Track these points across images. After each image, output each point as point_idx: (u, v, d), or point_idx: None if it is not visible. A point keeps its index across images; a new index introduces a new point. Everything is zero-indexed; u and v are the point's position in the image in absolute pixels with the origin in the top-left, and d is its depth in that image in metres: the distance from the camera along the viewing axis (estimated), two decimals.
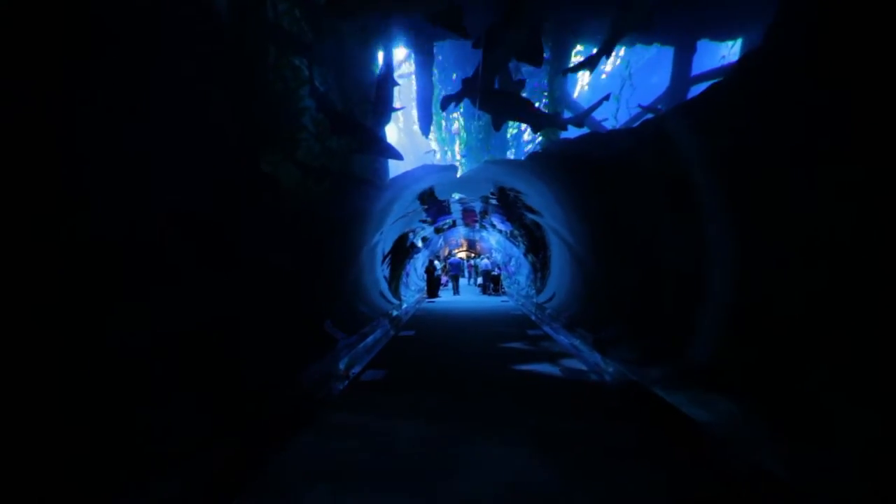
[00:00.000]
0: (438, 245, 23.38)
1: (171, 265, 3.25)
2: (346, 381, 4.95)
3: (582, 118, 8.35)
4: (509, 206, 11.42)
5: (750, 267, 3.74)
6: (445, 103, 7.25)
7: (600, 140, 5.62)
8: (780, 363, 3.35)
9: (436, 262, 19.03)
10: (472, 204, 12.55)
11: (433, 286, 16.04)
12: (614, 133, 5.44)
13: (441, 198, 10.94)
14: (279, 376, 4.41)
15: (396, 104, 8.59)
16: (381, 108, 7.42)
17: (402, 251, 13.36)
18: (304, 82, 6.13)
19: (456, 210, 13.14)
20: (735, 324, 3.99)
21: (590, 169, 6.03)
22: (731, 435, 3.13)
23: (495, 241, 20.31)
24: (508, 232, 15.84)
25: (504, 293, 17.88)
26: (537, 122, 7.92)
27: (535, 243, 13.14)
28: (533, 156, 7.30)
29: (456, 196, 11.33)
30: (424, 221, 13.80)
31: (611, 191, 5.94)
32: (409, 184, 8.27)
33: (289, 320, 5.25)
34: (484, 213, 14.18)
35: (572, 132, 8.40)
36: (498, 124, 7.80)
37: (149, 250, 3.03)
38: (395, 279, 13.14)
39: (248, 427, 3.28)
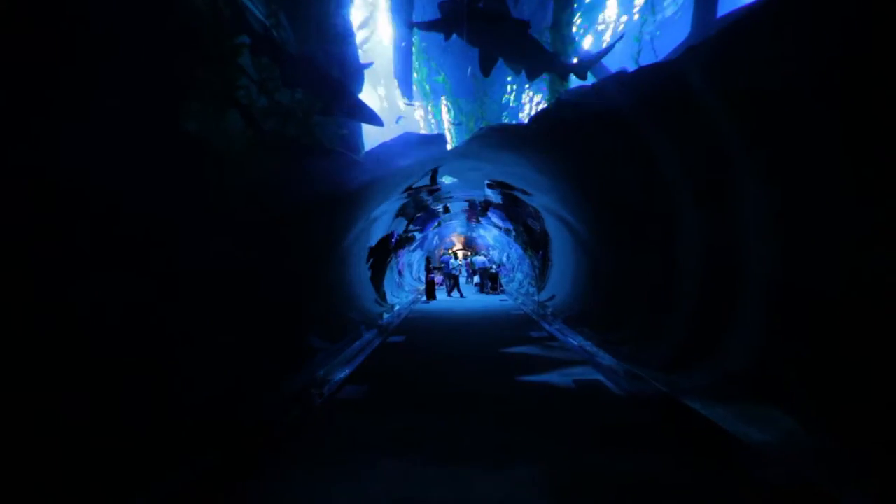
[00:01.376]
0: (434, 242, 22.67)
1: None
2: (321, 399, 4.19)
3: (590, 65, 7.50)
4: (511, 201, 10.57)
5: (807, 243, 3.02)
6: (425, 28, 6.40)
7: (631, 83, 4.65)
8: (851, 365, 2.63)
9: (450, 260, 18.03)
10: (469, 197, 11.65)
11: (430, 288, 15.31)
12: (649, 71, 4.38)
13: (426, 185, 9.88)
14: (227, 403, 3.63)
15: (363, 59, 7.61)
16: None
17: (390, 246, 12.49)
18: (237, 8, 5.07)
19: (455, 205, 12.18)
20: (787, 315, 3.26)
21: (615, 127, 5.20)
22: (799, 464, 2.41)
23: (492, 237, 19.58)
24: (506, 228, 15.06)
25: (503, 291, 17.21)
26: (534, 64, 7.04)
27: (534, 238, 12.39)
28: (539, 117, 6.15)
29: (447, 180, 10.33)
30: (411, 221, 12.88)
31: (640, 157, 5.01)
32: (388, 159, 7.31)
33: (242, 330, 4.42)
34: (484, 207, 13.41)
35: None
36: (487, 67, 6.97)
37: None
38: (383, 278, 12.30)
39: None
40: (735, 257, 4.06)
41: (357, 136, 8.72)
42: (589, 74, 8.17)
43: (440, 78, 11.92)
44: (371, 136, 9.08)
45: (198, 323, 3.84)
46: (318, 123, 6.67)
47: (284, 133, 5.77)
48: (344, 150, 7.50)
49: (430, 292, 15.43)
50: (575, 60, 8.62)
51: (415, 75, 11.55)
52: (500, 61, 7.38)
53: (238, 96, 4.79)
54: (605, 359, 5.53)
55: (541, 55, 7.22)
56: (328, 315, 7.18)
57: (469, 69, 12.14)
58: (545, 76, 8.78)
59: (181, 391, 3.46)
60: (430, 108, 14.14)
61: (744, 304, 3.92)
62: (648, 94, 4.47)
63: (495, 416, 3.76)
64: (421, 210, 12.85)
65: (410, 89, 8.71)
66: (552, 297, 10.66)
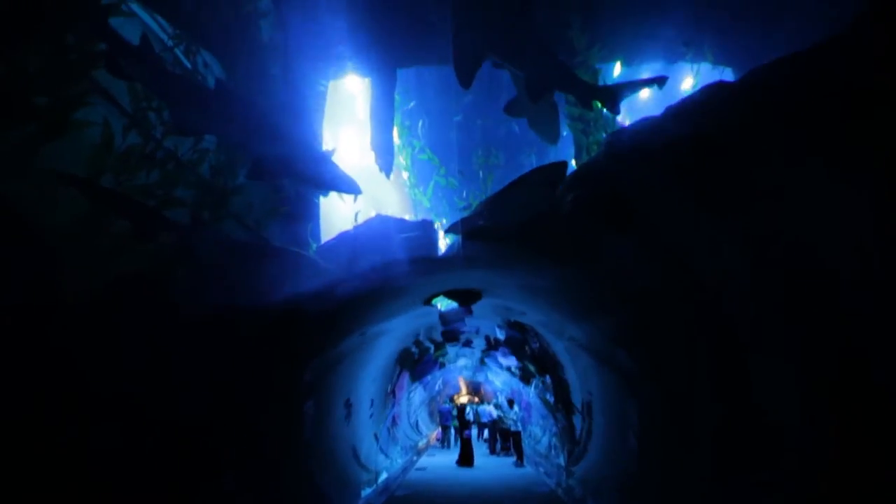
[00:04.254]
0: (436, 388, 20.37)
1: None
2: None
3: (629, 91, 6.30)
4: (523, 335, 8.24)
5: None
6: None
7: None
8: None
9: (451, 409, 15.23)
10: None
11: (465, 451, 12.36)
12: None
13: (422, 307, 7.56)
14: None
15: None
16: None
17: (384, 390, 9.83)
18: None
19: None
20: None
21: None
22: None
23: (501, 381, 16.94)
24: (520, 368, 12.57)
25: (521, 458, 13.36)
26: (539, 71, 5.81)
27: (562, 387, 9.66)
28: (576, 182, 4.43)
29: (441, 306, 7.98)
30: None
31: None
32: (355, 256, 5.10)
33: None
34: (492, 345, 11.13)
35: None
36: (466, 70, 5.54)
37: None
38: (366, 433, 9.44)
39: None
40: None
41: (313, 219, 6.68)
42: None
43: (424, 155, 10.43)
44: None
45: None
46: (242, 190, 4.48)
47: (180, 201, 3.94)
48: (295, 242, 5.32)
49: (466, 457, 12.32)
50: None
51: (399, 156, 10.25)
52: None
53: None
54: None
55: (550, 60, 5.95)
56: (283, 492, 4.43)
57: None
58: (562, 115, 7.24)
59: None
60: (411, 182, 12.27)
61: None
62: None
63: None
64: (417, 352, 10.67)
65: (391, 164, 6.92)
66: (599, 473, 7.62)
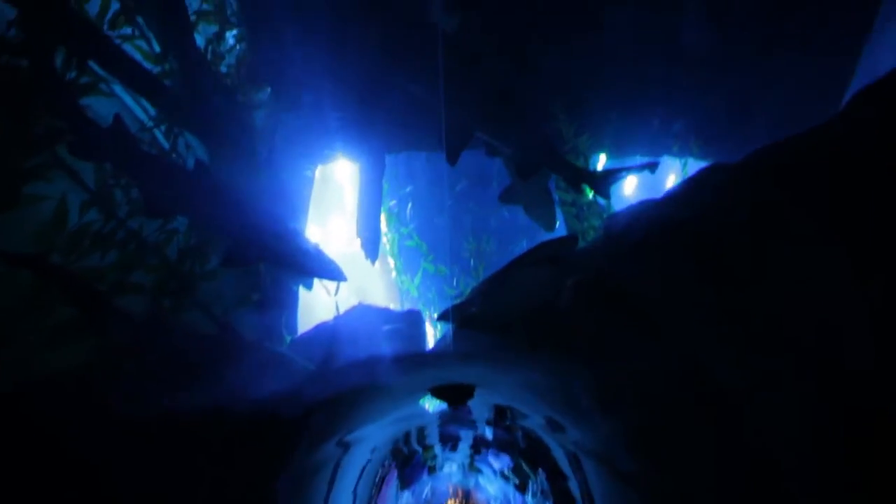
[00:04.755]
0: (423, 497, 18.26)
1: None
2: None
3: (617, 177, 6.40)
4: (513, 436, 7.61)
5: None
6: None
7: None
8: None
9: None
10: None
11: None
12: None
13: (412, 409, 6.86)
14: None
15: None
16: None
17: None
18: None
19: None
20: None
21: None
22: None
23: (495, 488, 15.25)
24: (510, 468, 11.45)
25: None
26: (527, 151, 5.88)
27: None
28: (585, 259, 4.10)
29: (430, 406, 7.27)
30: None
31: None
32: (334, 351, 4.53)
33: None
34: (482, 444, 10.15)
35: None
36: (455, 147, 5.58)
37: None
38: None
39: None
40: None
41: (288, 307, 6.17)
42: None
43: (412, 242, 10.05)
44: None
45: None
46: (212, 275, 4.08)
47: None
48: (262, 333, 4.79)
49: None
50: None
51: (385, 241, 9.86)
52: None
53: None
54: None
55: (538, 139, 5.97)
56: None
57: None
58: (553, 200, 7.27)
59: None
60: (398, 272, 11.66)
61: None
62: None
63: None
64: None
65: (377, 250, 6.61)
66: None
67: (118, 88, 4.20)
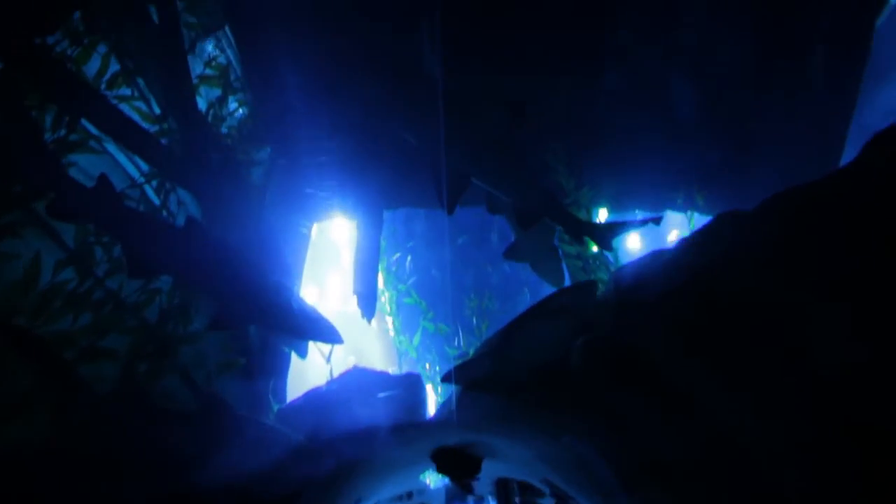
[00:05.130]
0: None
1: None
2: None
3: (621, 230, 6.22)
4: None
5: None
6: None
7: None
8: None
9: None
10: None
11: None
12: None
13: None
14: None
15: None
16: None
17: None
18: None
19: None
20: None
21: None
22: None
23: None
24: None
25: None
26: (528, 202, 5.80)
27: None
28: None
29: (433, 481, 6.71)
30: None
31: None
32: (324, 421, 4.08)
33: None
34: None
35: None
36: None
37: None
38: None
39: None
40: None
41: (274, 371, 5.66)
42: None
43: (411, 299, 9.59)
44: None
45: None
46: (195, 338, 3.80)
47: None
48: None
49: None
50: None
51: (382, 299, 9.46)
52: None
53: None
54: None
55: (537, 188, 5.91)
56: None
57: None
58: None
59: None
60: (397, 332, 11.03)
61: None
62: None
63: None
64: None
65: (373, 307, 6.35)
66: None
67: (110, 145, 4.16)
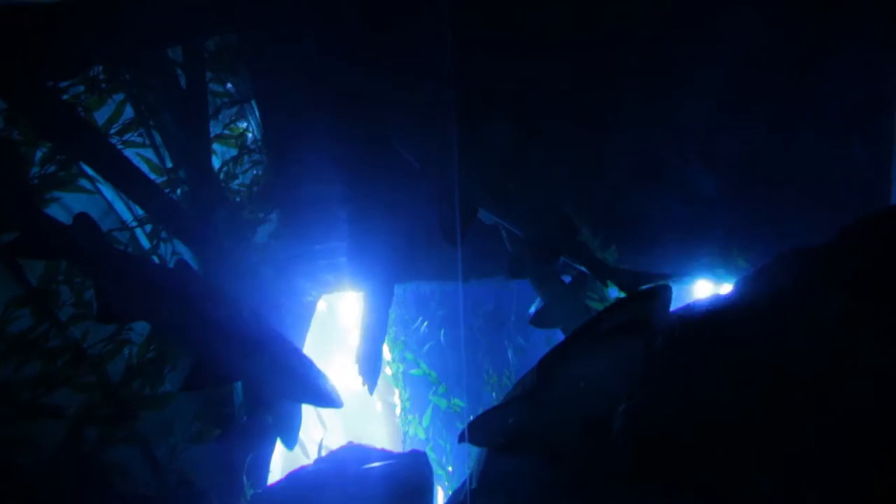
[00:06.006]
0: None
1: None
2: None
3: (654, 278, 5.35)
4: None
5: None
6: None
7: None
8: None
9: None
10: None
11: None
12: None
13: None
14: None
15: None
16: None
17: None
18: None
19: None
20: None
21: None
22: None
23: None
24: None
25: None
26: (545, 238, 5.24)
27: None
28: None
29: None
30: None
31: None
32: None
33: None
34: None
35: None
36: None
37: None
38: None
39: None
40: None
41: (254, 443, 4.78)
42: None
43: (419, 371, 8.60)
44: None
45: None
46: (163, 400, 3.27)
47: None
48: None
49: None
50: None
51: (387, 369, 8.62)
52: None
53: None
54: None
55: (551, 220, 5.33)
56: None
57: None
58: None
59: None
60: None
61: None
62: None
63: None
64: None
65: (376, 378, 5.77)
66: None
67: (107, 189, 3.99)
